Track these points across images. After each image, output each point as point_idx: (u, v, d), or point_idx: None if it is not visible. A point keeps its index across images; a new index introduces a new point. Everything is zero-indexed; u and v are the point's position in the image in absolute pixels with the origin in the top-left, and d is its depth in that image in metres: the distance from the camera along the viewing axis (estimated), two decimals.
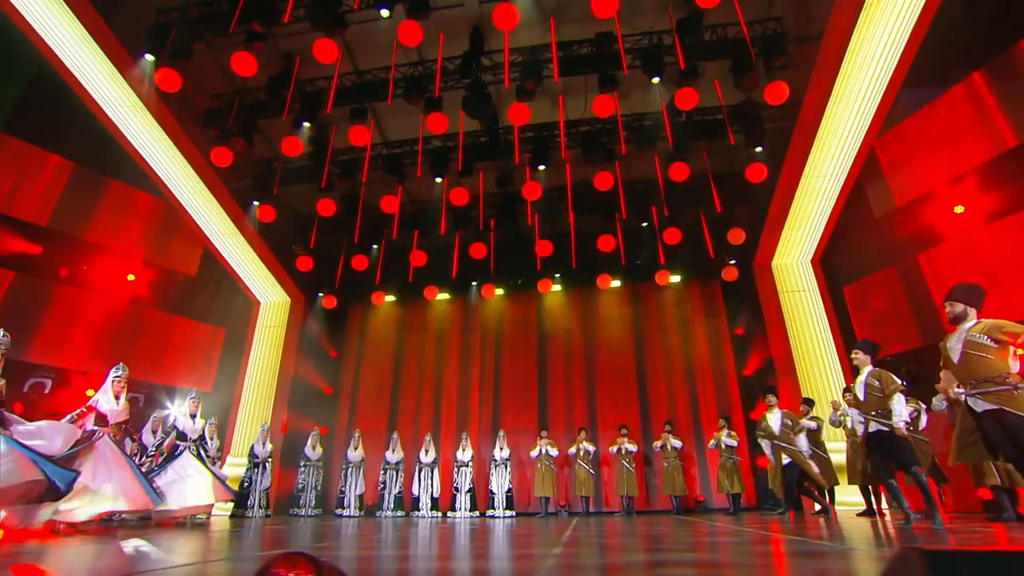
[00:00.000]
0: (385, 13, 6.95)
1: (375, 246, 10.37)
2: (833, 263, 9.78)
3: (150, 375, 9.40)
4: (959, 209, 7.89)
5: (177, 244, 10.15)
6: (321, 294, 11.24)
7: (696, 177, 8.99)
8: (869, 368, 4.48)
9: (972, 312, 3.67)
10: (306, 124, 8.16)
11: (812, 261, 10.13)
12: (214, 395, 10.30)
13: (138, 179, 9.76)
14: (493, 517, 9.50)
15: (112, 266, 9.40)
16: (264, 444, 9.34)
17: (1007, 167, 7.46)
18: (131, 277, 9.68)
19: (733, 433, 8.96)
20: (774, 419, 7.01)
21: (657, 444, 9.55)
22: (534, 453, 9.90)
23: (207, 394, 10.16)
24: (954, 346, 3.67)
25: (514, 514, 9.61)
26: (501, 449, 10.01)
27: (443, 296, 11.88)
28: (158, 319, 9.79)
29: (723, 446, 8.82)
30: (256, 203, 9.28)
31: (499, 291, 11.55)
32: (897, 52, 7.16)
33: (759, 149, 8.20)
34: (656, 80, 7.43)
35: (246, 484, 9.02)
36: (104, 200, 9.50)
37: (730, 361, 10.83)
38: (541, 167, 8.74)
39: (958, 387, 3.71)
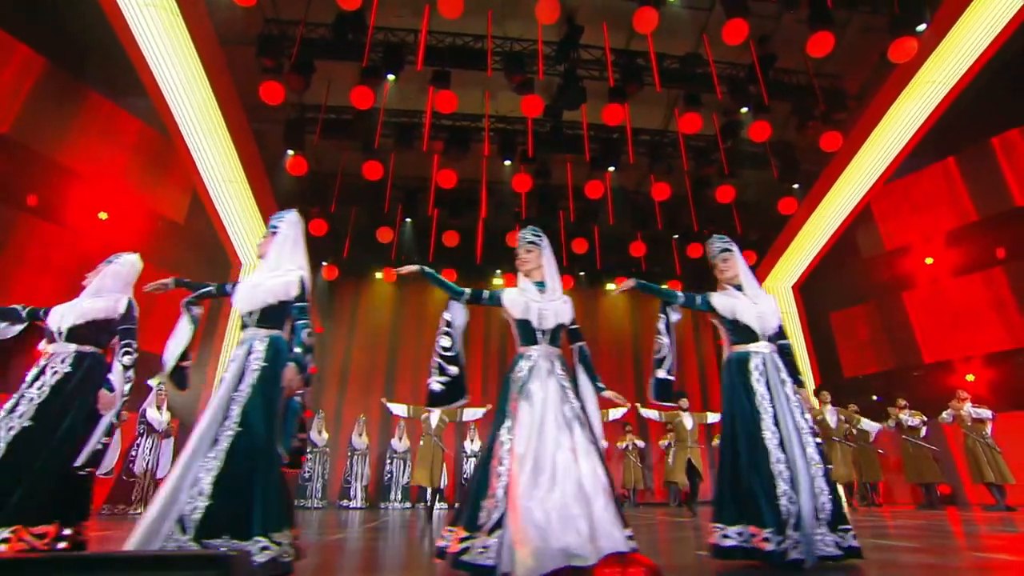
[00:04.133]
0: None
1: (408, 219, 9.59)
2: (812, 291, 11.30)
3: None
4: (929, 260, 9.66)
5: (166, 185, 8.41)
6: (324, 263, 10.08)
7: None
8: None
9: None
10: (391, 77, 7.32)
11: (793, 287, 11.59)
12: (194, 370, 8.71)
13: (125, 97, 7.94)
14: None
15: (88, 200, 7.52)
16: None
17: (970, 235, 9.34)
18: (103, 215, 7.81)
19: None
20: (831, 415, 7.20)
21: (664, 442, 10.18)
22: None
23: None
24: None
25: None
26: None
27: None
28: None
29: None
30: (291, 152, 8.07)
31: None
32: (919, 120, 8.54)
33: (796, 186, 9.19)
34: (745, 110, 7.98)
35: None
36: (81, 115, 7.55)
37: (714, 370, 11.94)
38: (611, 168, 8.85)
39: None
